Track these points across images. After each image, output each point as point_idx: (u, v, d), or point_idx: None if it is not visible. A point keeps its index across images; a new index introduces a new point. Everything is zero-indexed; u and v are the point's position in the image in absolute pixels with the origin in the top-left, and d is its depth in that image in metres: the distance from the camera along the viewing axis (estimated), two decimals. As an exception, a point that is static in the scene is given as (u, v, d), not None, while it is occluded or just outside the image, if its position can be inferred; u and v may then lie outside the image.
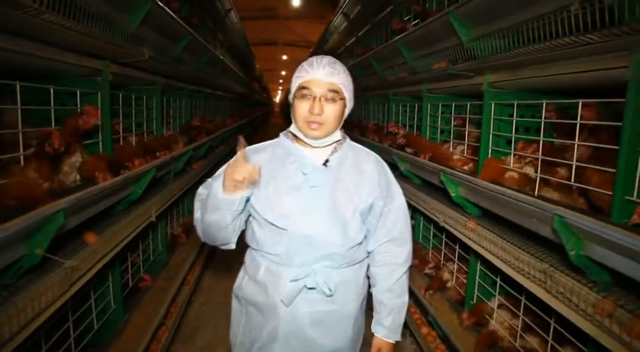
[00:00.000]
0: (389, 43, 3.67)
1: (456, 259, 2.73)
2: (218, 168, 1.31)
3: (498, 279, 2.24)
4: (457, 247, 2.70)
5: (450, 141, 2.73)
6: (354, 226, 1.30)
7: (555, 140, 1.85)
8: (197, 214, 1.33)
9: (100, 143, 2.15)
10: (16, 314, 1.23)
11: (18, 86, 1.51)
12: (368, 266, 1.44)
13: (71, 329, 1.90)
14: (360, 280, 1.39)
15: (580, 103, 1.61)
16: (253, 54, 12.50)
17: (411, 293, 3.01)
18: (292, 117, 1.34)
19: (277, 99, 40.25)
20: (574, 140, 1.64)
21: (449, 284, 2.78)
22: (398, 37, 3.35)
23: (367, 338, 1.46)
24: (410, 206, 2.98)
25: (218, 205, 1.19)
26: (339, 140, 1.37)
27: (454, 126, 2.80)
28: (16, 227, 1.24)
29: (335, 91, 1.27)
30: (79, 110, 1.94)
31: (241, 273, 1.44)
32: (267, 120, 22.66)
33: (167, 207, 2.98)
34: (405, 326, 3.00)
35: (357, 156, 1.38)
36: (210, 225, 1.25)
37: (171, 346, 2.74)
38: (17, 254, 1.35)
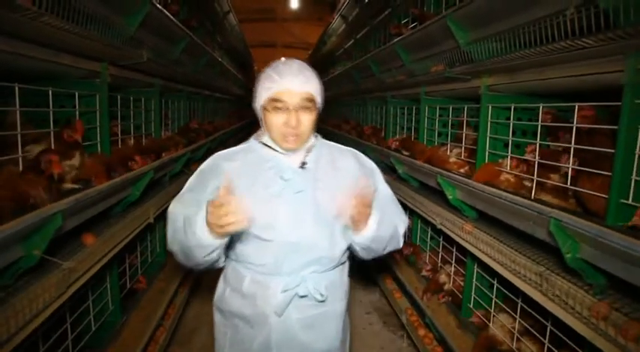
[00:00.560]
0: (387, 45, 3.68)
1: (453, 262, 2.73)
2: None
3: (495, 282, 2.24)
4: (454, 250, 2.70)
5: (447, 144, 2.74)
6: (340, 226, 1.26)
7: (551, 143, 1.86)
8: (174, 247, 1.23)
9: (99, 144, 2.15)
10: (14, 315, 1.23)
11: (17, 88, 1.51)
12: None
13: (69, 331, 1.89)
14: (345, 279, 1.39)
15: (576, 107, 1.62)
16: (252, 56, 12.52)
17: (408, 295, 3.02)
18: (263, 128, 1.28)
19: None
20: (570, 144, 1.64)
21: (446, 287, 2.78)
22: (396, 39, 3.37)
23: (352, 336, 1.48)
24: (407, 208, 3.00)
25: (201, 244, 1.12)
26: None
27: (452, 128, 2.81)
28: (14, 228, 1.24)
29: (310, 100, 1.22)
30: (77, 112, 1.95)
31: (221, 284, 1.38)
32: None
33: (165, 208, 2.97)
34: (402, 327, 3.01)
35: (331, 153, 1.35)
36: (193, 258, 1.18)
37: (169, 347, 2.74)
38: (15, 255, 1.35)
